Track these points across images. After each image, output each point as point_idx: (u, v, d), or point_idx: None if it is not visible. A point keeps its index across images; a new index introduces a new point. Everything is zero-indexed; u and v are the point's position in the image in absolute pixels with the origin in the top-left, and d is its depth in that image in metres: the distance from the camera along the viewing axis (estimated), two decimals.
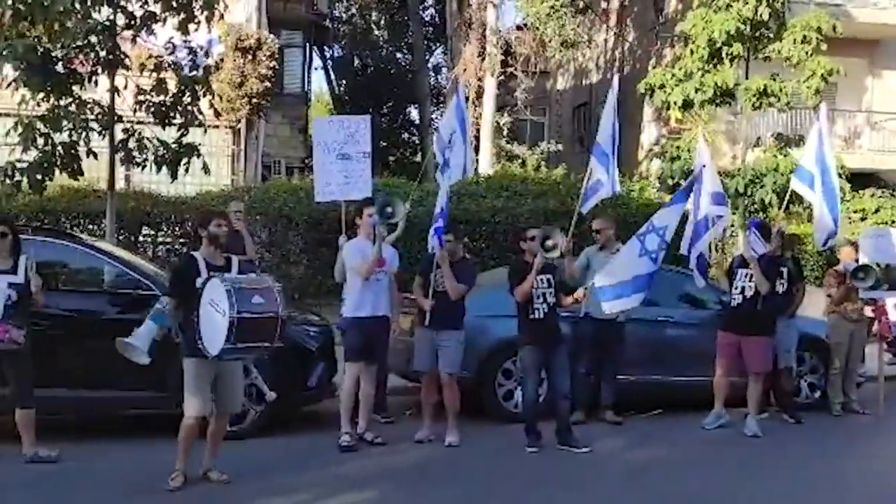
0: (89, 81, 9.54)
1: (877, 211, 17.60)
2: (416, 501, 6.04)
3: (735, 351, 8.12)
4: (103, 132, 9.62)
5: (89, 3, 9.06)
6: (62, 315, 7.08)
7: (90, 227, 12.33)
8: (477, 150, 19.28)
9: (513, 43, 20.85)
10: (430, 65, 29.61)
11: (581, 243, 8.61)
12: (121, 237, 11.70)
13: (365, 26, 31.55)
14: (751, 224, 8.62)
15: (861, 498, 6.41)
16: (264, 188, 14.66)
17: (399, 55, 31.54)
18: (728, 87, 14.90)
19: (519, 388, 8.00)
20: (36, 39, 9.07)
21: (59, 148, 9.32)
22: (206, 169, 9.97)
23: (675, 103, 15.07)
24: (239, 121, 16.25)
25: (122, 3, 9.40)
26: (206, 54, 9.99)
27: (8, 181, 9.32)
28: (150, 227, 12.90)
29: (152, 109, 9.78)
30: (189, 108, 9.79)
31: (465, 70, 20.49)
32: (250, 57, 15.86)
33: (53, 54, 9.14)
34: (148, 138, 9.69)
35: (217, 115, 11.26)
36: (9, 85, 9.13)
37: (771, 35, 15.04)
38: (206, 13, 9.45)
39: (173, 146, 9.68)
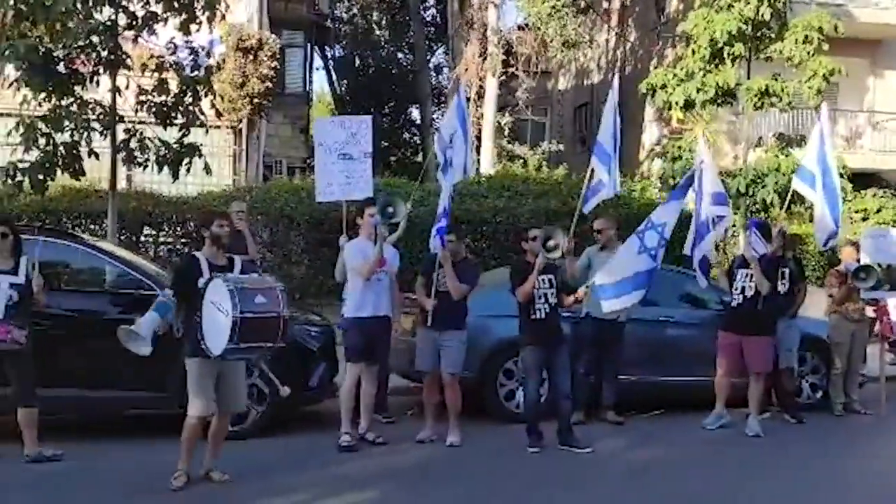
0: (91, 81, 9.56)
1: (878, 211, 17.58)
2: (417, 501, 6.04)
3: (736, 351, 8.11)
4: (105, 132, 9.64)
5: (91, 4, 9.08)
6: (64, 315, 7.09)
7: (92, 227, 12.35)
8: (478, 150, 19.30)
9: (514, 43, 20.84)
10: (431, 65, 29.63)
11: (582, 243, 8.59)
12: (122, 237, 11.70)
13: (366, 26, 31.56)
14: (751, 224, 8.60)
15: (862, 498, 6.40)
16: (266, 188, 14.67)
17: (400, 55, 31.55)
18: (729, 87, 14.86)
19: (520, 389, 7.99)
20: (38, 39, 9.10)
21: (61, 148, 9.34)
22: (207, 169, 9.99)
23: (676, 103, 15.03)
24: (240, 121, 16.27)
25: (124, 3, 9.42)
26: (208, 54, 10.03)
27: (10, 181, 9.36)
28: (152, 227, 12.91)
29: (154, 109, 9.80)
30: (190, 108, 9.81)
31: (466, 70, 20.49)
32: (252, 57, 15.89)
33: (55, 54, 9.16)
34: (149, 138, 9.70)
35: (218, 115, 11.30)
36: (10, 85, 9.16)
37: (772, 35, 15.00)
38: (207, 13, 9.47)
39: (175, 146, 9.70)
